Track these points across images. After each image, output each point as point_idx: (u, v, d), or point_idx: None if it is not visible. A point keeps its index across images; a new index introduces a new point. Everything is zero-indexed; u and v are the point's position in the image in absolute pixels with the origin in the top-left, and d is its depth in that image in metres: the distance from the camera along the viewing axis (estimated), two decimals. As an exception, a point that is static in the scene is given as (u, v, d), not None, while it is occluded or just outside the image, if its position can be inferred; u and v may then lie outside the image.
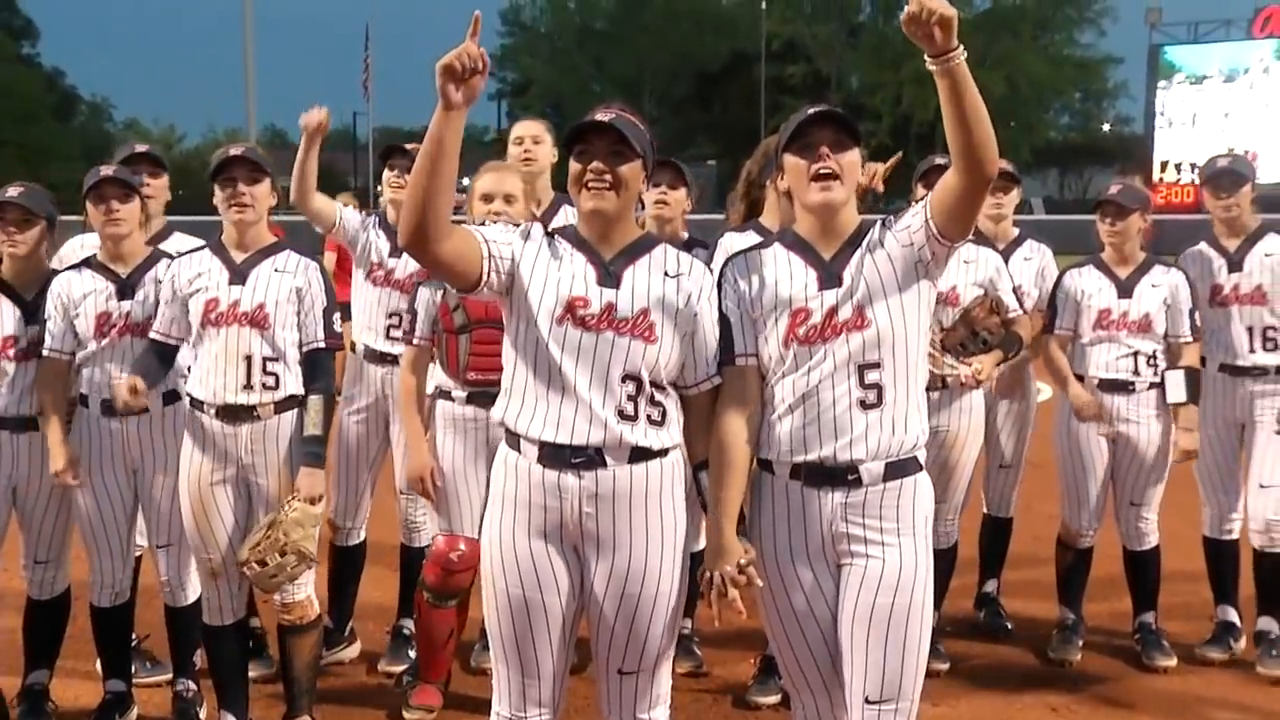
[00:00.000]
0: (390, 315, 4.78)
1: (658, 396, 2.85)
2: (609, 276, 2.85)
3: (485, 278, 2.80)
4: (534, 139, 4.79)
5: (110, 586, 4.20)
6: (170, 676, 4.46)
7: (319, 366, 3.97)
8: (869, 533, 2.83)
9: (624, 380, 2.80)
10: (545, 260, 2.87)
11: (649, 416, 2.83)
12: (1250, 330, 4.81)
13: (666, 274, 2.88)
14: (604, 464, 2.81)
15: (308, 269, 3.96)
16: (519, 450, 2.86)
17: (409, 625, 4.89)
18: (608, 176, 2.80)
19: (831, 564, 2.88)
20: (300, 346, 3.96)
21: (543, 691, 2.94)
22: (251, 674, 4.33)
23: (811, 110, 2.87)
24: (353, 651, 4.95)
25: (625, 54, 52.64)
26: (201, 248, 4.01)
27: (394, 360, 4.75)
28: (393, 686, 4.64)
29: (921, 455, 2.89)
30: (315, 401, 3.92)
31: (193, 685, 4.32)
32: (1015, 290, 4.77)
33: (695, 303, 2.88)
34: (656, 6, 52.15)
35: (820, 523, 2.85)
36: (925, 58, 2.57)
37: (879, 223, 2.91)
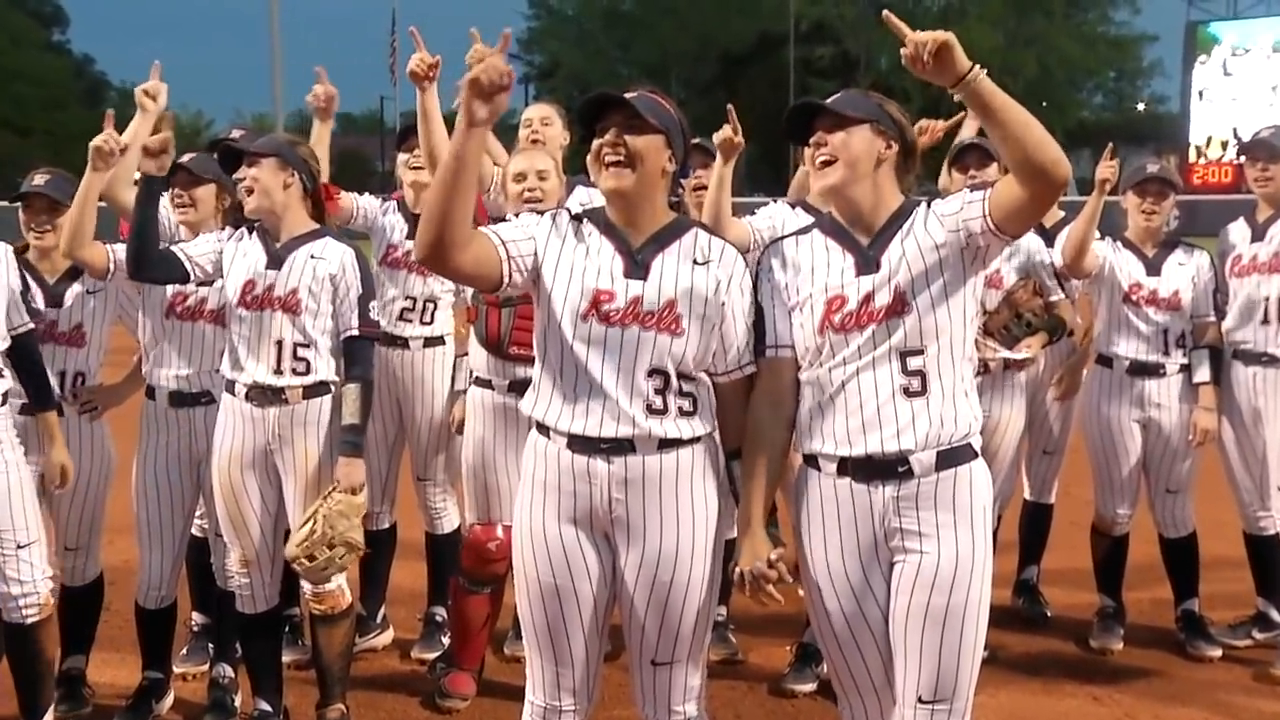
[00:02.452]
0: (406, 298, 4.78)
1: (686, 386, 2.80)
2: (637, 266, 2.79)
3: (506, 279, 2.76)
4: (542, 120, 4.75)
5: (158, 589, 4.19)
6: (207, 666, 4.48)
7: (356, 355, 3.95)
8: (923, 526, 2.73)
9: (650, 375, 2.75)
10: (570, 250, 2.82)
11: (680, 408, 2.79)
12: (1266, 300, 4.65)
13: (695, 262, 2.82)
14: (633, 450, 2.77)
15: (344, 256, 3.93)
16: (548, 437, 2.84)
17: (441, 612, 4.90)
18: (622, 149, 2.74)
19: (884, 562, 2.78)
20: (335, 334, 3.94)
21: (576, 679, 2.90)
22: (285, 659, 4.34)
23: (800, 101, 2.85)
24: (385, 638, 4.95)
25: (651, 37, 52.46)
26: (249, 226, 3.98)
27: (405, 343, 4.77)
28: (426, 673, 4.64)
29: (976, 442, 2.80)
30: (352, 390, 3.90)
31: (229, 672, 4.33)
32: (1058, 273, 4.71)
33: (724, 291, 2.82)
34: (683, -11, 51.96)
35: (871, 519, 2.76)
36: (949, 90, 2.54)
37: (924, 204, 2.82)
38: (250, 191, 3.84)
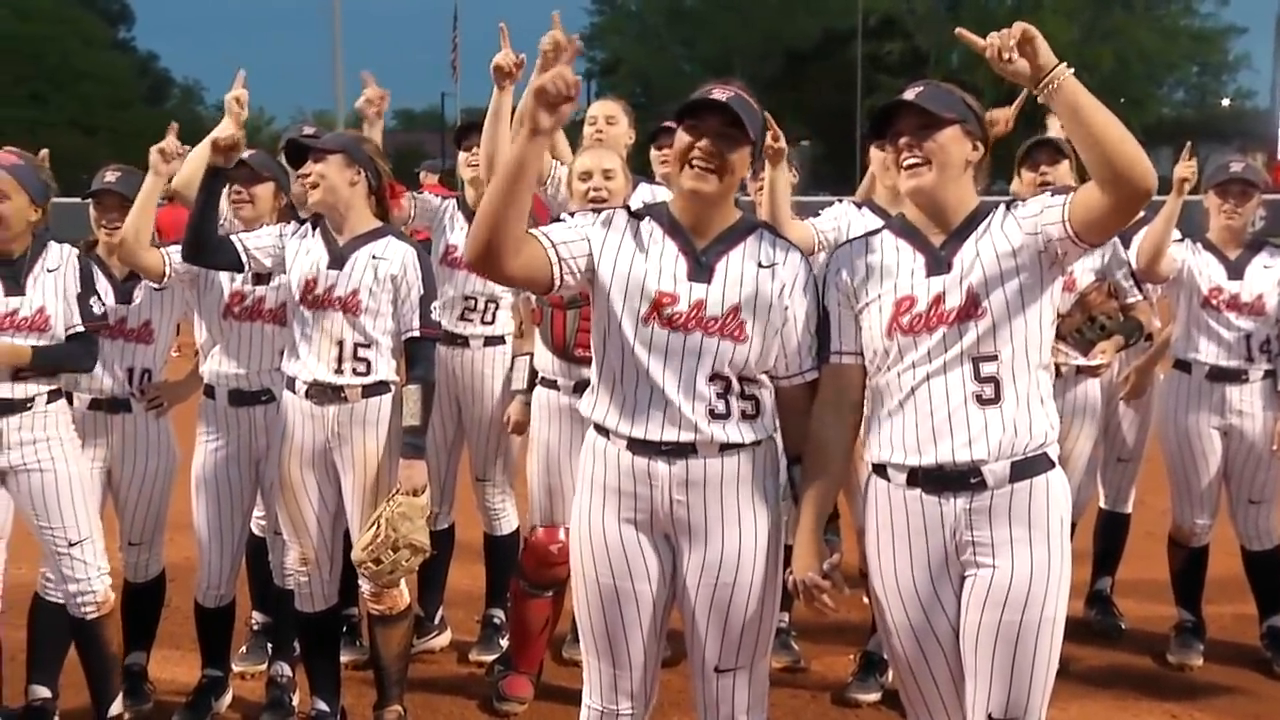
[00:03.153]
0: (466, 298, 4.81)
1: (749, 390, 2.79)
2: (701, 269, 2.77)
3: (558, 282, 2.76)
4: (608, 118, 4.75)
5: (216, 588, 4.26)
6: (265, 665, 4.55)
7: (417, 355, 3.98)
8: (996, 539, 2.68)
9: (711, 380, 2.74)
10: (630, 252, 2.80)
11: (743, 411, 2.78)
12: None
13: (760, 265, 2.79)
14: (695, 453, 2.77)
15: (405, 256, 3.96)
16: (608, 439, 2.84)
17: (499, 614, 4.93)
18: (715, 160, 2.71)
19: (955, 575, 2.74)
20: (397, 334, 3.97)
21: (634, 682, 2.90)
22: (343, 659, 4.39)
23: (894, 99, 2.76)
24: (443, 640, 4.99)
25: (715, 33, 52.34)
26: (312, 223, 4.04)
27: (465, 342, 4.81)
28: (484, 676, 4.67)
29: (1053, 451, 2.75)
30: (413, 391, 3.93)
31: (288, 671, 4.39)
32: (1134, 274, 4.62)
33: (788, 295, 2.80)
34: (747, -15, 51.80)
35: (942, 532, 2.72)
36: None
37: (1003, 206, 2.78)
38: (315, 186, 3.89)
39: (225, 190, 4.04)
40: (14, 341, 3.82)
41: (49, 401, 3.89)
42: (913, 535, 2.75)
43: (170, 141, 3.88)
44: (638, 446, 2.78)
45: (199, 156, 4.05)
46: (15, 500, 3.91)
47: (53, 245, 3.96)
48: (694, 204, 2.80)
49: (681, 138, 2.75)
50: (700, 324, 2.73)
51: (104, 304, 4.04)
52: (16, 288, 3.84)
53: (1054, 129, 4.84)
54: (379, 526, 3.86)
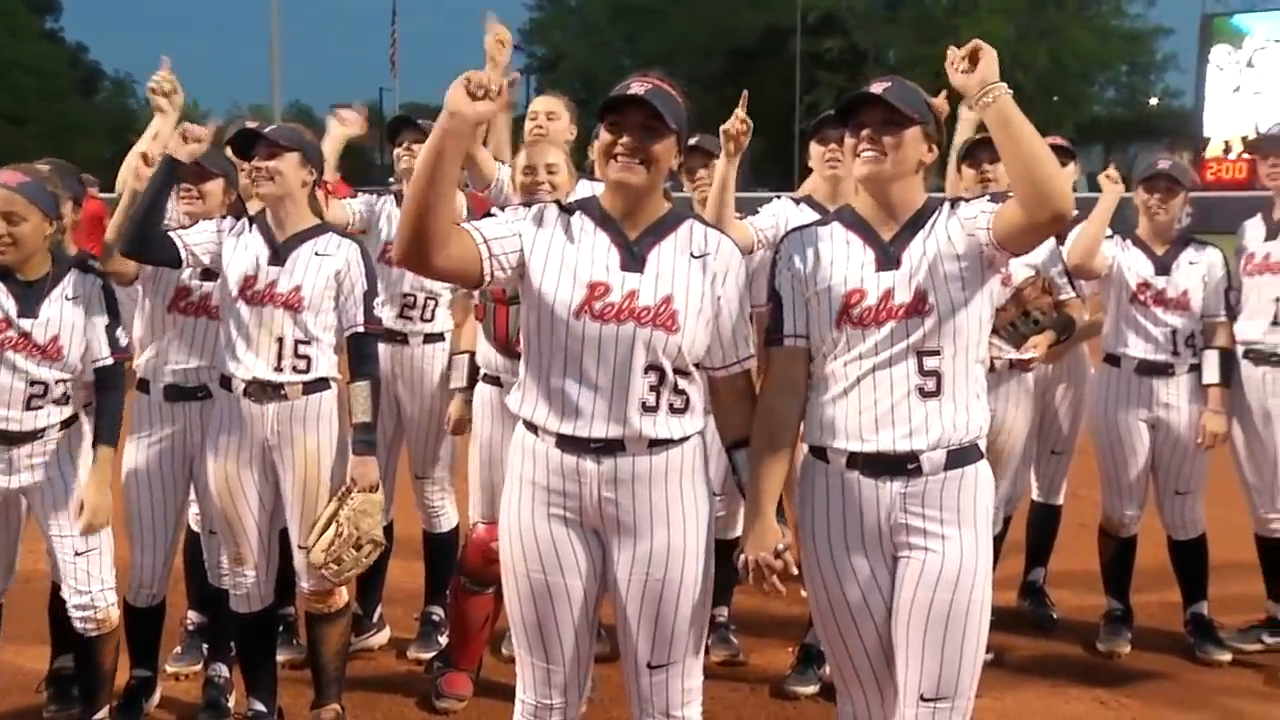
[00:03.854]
0: (405, 295, 4.80)
1: (681, 384, 2.81)
2: (633, 259, 2.79)
3: (488, 277, 2.76)
4: (548, 114, 4.76)
5: (149, 586, 4.18)
6: (201, 665, 4.50)
7: (362, 352, 3.96)
8: (928, 524, 2.77)
9: (646, 371, 2.75)
10: (561, 244, 2.81)
11: (671, 405, 2.79)
12: (1277, 301, 4.65)
13: (693, 254, 2.83)
14: (624, 450, 2.78)
15: (349, 252, 3.94)
16: (537, 435, 2.84)
17: (438, 611, 4.92)
18: (639, 153, 2.74)
19: (888, 555, 2.82)
20: (339, 331, 3.95)
21: (566, 676, 2.92)
22: (280, 658, 4.35)
23: (863, 90, 2.81)
24: (382, 638, 4.97)
25: (657, 29, 52.41)
26: (249, 219, 4.00)
27: (405, 339, 4.80)
28: (423, 673, 4.65)
29: (982, 443, 2.84)
30: (362, 388, 3.91)
31: (225, 671, 4.34)
32: (1069, 271, 4.71)
33: (720, 284, 2.83)
34: (689, -20, 51.91)
35: (878, 513, 2.79)
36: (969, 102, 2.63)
37: (947, 205, 2.85)
38: (268, 179, 3.84)
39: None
40: (51, 403, 3.80)
41: (61, 429, 3.85)
42: (848, 514, 2.81)
43: (152, 146, 3.83)
44: (566, 444, 2.79)
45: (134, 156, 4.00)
46: (32, 511, 3.91)
47: (75, 273, 3.86)
48: (623, 197, 2.82)
49: (604, 134, 2.77)
50: (633, 314, 2.75)
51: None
52: (30, 310, 3.76)
53: (964, 115, 4.91)
54: (339, 525, 3.84)
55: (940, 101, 4.16)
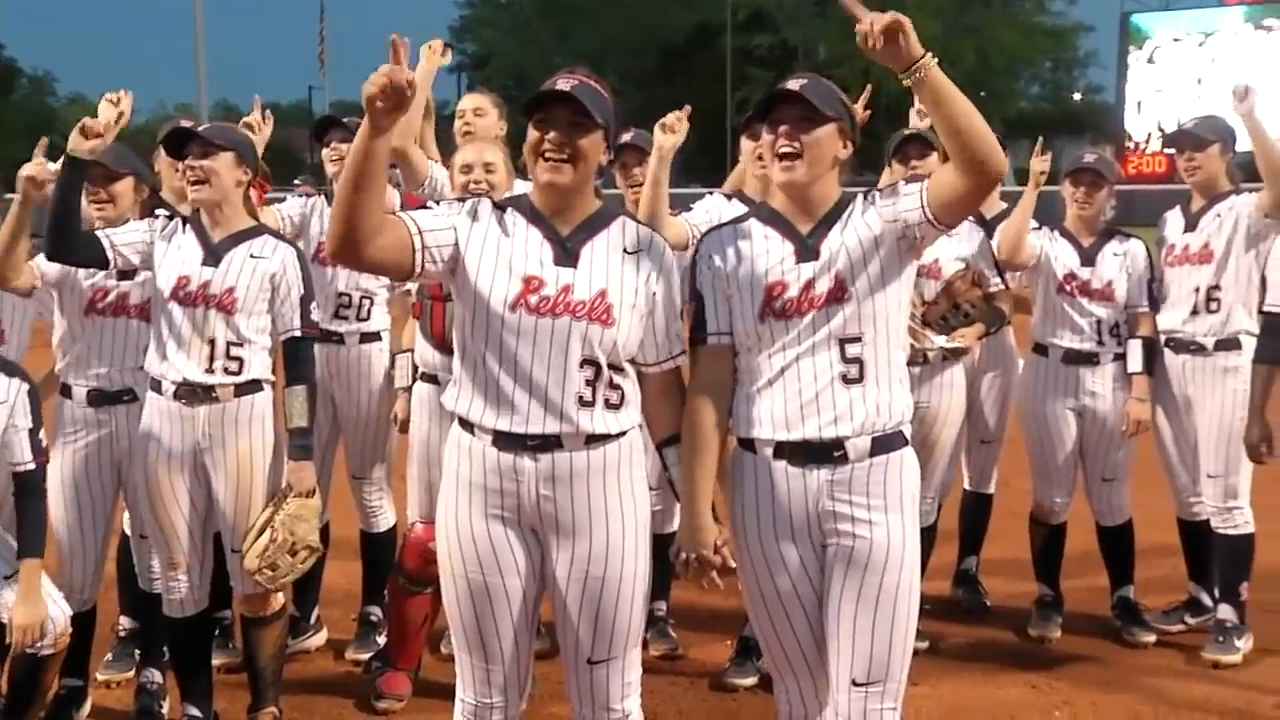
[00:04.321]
0: (340, 295, 4.76)
1: (616, 379, 2.82)
2: (566, 255, 2.80)
3: (419, 269, 2.76)
4: (475, 110, 4.76)
5: (79, 592, 4.09)
6: (133, 672, 4.43)
7: (298, 355, 3.93)
8: (856, 510, 2.81)
9: (582, 365, 2.76)
10: (495, 240, 2.81)
11: (607, 400, 2.80)
12: (1196, 291, 4.77)
13: (626, 251, 2.85)
14: (560, 446, 2.78)
15: (285, 256, 3.89)
16: (472, 433, 2.83)
17: (376, 611, 4.89)
18: (566, 149, 2.75)
19: (817, 544, 2.86)
20: (273, 334, 3.91)
21: (507, 675, 2.92)
22: (215, 663, 4.30)
23: (780, 86, 2.84)
24: (319, 639, 4.93)
25: (588, 27, 52.35)
26: (183, 220, 3.93)
27: (341, 339, 4.77)
28: (361, 673, 4.62)
29: (907, 430, 2.89)
30: (298, 392, 3.88)
31: (158, 677, 4.28)
32: (998, 264, 4.79)
33: (654, 281, 2.85)
34: (620, -24, 51.91)
35: (806, 501, 2.83)
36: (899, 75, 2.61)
37: (861, 196, 2.90)
38: (201, 182, 3.78)
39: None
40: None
41: None
42: (776, 504, 2.85)
43: (40, 167, 3.69)
44: (503, 441, 2.79)
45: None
46: None
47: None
48: (552, 195, 2.83)
49: (532, 132, 2.78)
50: (568, 308, 2.76)
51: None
52: None
53: (915, 123, 4.99)
54: (274, 530, 3.80)
55: (859, 112, 4.24)
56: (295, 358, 3.93)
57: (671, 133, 3.88)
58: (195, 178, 3.79)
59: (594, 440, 2.80)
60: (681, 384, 2.97)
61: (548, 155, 2.75)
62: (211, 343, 3.80)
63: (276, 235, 4.00)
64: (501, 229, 2.83)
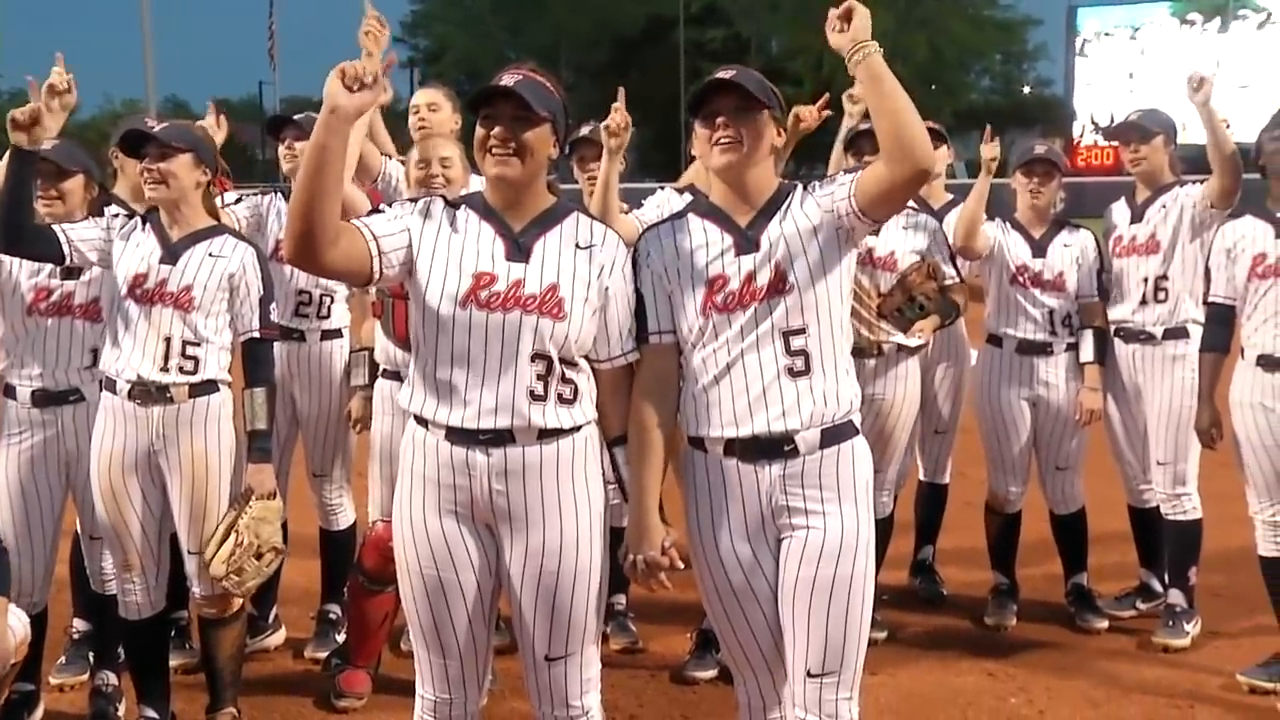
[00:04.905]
0: (300, 293, 4.72)
1: (569, 374, 2.82)
2: (518, 250, 2.80)
3: (378, 274, 2.76)
4: (429, 106, 4.74)
5: (28, 595, 4.02)
6: (87, 675, 4.38)
7: (258, 357, 3.90)
8: (809, 503, 2.82)
9: (533, 360, 2.76)
10: (447, 237, 2.81)
11: (560, 395, 2.80)
12: (1145, 281, 4.84)
13: (578, 245, 2.84)
14: (513, 441, 2.78)
15: (245, 256, 3.86)
16: (426, 429, 2.83)
17: (334, 609, 4.87)
18: (511, 144, 2.75)
19: (771, 539, 2.87)
20: (232, 334, 3.88)
21: (465, 670, 2.92)
22: (172, 663, 4.26)
23: (713, 78, 2.86)
24: (278, 638, 4.90)
25: (542, 20, 52.16)
26: (142, 218, 3.88)
27: (301, 336, 4.73)
28: (320, 671, 4.59)
29: (857, 419, 2.90)
30: (257, 394, 3.85)
31: (113, 680, 4.23)
32: (953, 255, 4.84)
33: (607, 276, 2.85)
34: (573, -30, 51.80)
35: (759, 497, 2.84)
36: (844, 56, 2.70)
37: (799, 187, 2.92)
38: (159, 183, 3.73)
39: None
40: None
41: None
42: (730, 502, 2.86)
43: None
44: (456, 436, 2.78)
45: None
46: None
47: None
48: (502, 190, 2.83)
49: (479, 129, 2.78)
50: (519, 302, 2.75)
51: None
52: None
53: (848, 108, 5.00)
54: (238, 534, 3.77)
55: (815, 111, 4.27)
56: (254, 359, 3.90)
57: (615, 136, 3.88)
58: (153, 179, 3.75)
59: (546, 435, 2.80)
60: (631, 383, 2.97)
61: (494, 150, 2.76)
62: (167, 341, 3.75)
63: (236, 235, 3.96)
64: (453, 227, 2.83)
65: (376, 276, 2.76)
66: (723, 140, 2.82)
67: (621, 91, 3.89)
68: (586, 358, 2.88)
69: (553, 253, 2.81)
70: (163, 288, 3.76)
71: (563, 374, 2.80)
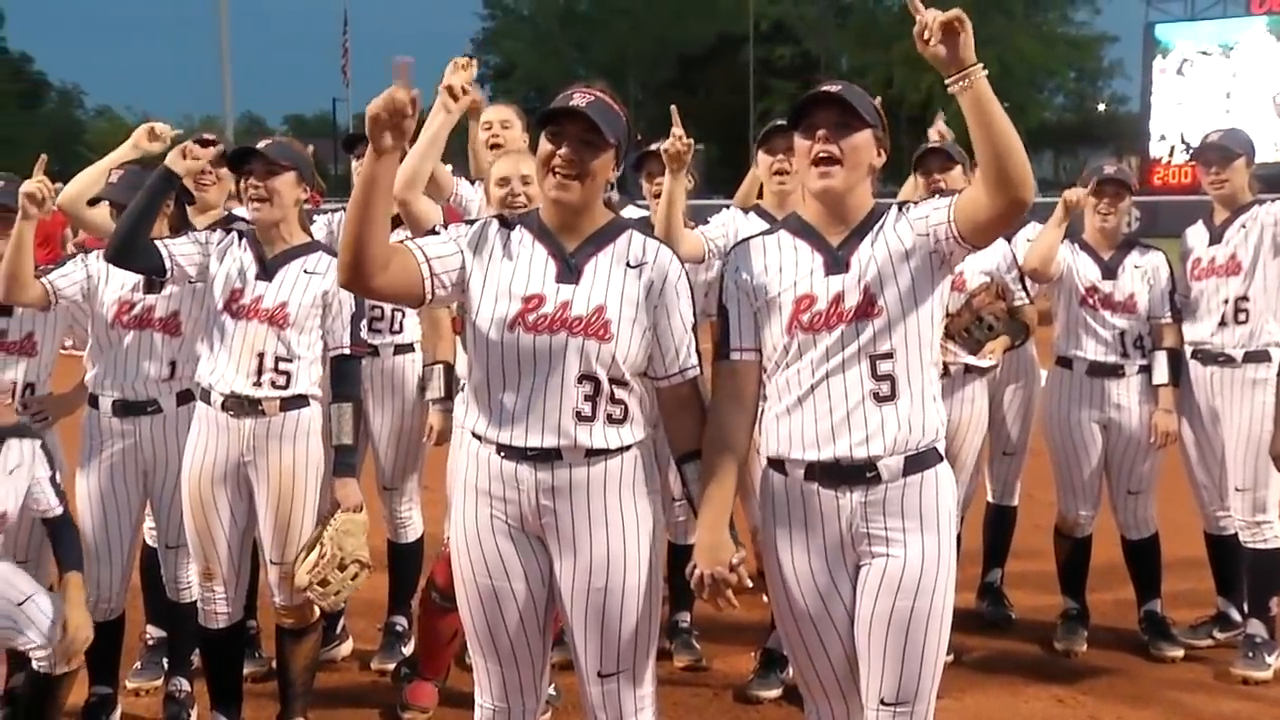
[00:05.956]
0: (373, 308, 4.78)
1: (619, 394, 2.82)
2: (569, 271, 2.81)
3: (430, 295, 2.79)
4: (502, 123, 4.79)
5: (106, 601, 4.13)
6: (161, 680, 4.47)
7: (346, 374, 3.96)
8: (890, 531, 2.77)
9: (580, 381, 2.77)
10: (499, 259, 2.84)
11: (609, 415, 2.80)
12: (1225, 303, 4.75)
13: (628, 264, 2.84)
14: (559, 459, 2.79)
15: None
16: (481, 443, 2.86)
17: (401, 621, 4.91)
18: (576, 167, 2.76)
19: (850, 565, 2.82)
20: (322, 349, 3.94)
21: (522, 678, 2.94)
22: (244, 671, 4.31)
23: (816, 90, 2.80)
24: (345, 649, 4.96)
25: (608, 38, 52.52)
26: (239, 233, 3.97)
27: (375, 351, 4.76)
28: (388, 682, 4.64)
29: (941, 446, 2.84)
30: (346, 410, 3.91)
31: (186, 686, 4.31)
32: (1022, 276, 4.79)
33: (657, 294, 2.84)
34: (639, -12, 52.08)
35: (838, 524, 2.79)
36: (946, 80, 2.56)
37: (893, 208, 2.86)
38: (264, 200, 3.81)
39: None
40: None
41: None
42: (809, 527, 2.82)
43: (41, 185, 3.74)
44: (507, 452, 2.81)
45: (95, 171, 4.07)
46: None
47: (12, 441, 3.77)
48: (559, 211, 2.84)
49: (544, 144, 2.78)
50: (565, 325, 2.77)
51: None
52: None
53: (934, 139, 5.02)
54: (323, 546, 3.81)
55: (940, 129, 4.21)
56: (343, 375, 3.96)
57: (676, 160, 3.90)
58: (258, 195, 3.82)
59: (594, 455, 2.80)
60: (698, 399, 2.94)
61: (557, 170, 2.77)
62: (260, 356, 3.82)
63: (330, 251, 4.01)
64: (506, 250, 2.85)
65: (429, 298, 2.79)
66: (821, 155, 2.76)
67: (675, 111, 3.90)
68: (646, 375, 2.88)
69: (603, 273, 2.82)
70: (258, 304, 3.83)
71: (612, 394, 2.80)
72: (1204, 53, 38.08)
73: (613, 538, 2.83)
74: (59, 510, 3.86)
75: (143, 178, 4.04)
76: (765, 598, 3.02)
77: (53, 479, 3.85)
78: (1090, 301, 4.86)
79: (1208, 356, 4.79)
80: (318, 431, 3.94)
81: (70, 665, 3.76)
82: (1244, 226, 4.74)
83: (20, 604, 3.68)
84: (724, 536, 2.83)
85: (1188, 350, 4.84)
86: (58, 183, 4.02)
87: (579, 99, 2.77)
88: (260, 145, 3.90)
